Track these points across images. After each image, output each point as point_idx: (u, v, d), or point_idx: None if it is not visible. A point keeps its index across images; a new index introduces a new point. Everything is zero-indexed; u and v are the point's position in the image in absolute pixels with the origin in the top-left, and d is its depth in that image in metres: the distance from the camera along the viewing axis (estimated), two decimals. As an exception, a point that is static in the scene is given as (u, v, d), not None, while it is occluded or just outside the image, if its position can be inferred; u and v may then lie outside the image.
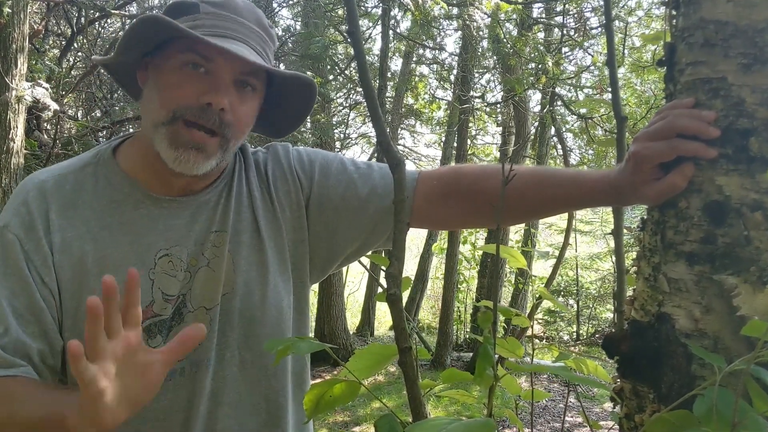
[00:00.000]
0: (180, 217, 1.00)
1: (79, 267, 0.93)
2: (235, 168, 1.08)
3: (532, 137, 8.45)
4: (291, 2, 7.39)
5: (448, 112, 9.25)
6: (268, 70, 0.97)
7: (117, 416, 0.72)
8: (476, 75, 8.42)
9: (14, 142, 3.89)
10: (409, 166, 1.13)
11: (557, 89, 6.26)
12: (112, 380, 0.70)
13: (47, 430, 0.81)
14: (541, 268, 11.08)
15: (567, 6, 6.34)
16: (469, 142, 9.35)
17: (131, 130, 1.14)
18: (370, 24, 8.19)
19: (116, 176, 1.00)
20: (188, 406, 0.98)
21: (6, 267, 0.91)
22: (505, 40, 6.23)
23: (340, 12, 6.99)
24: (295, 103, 1.07)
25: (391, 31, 7.12)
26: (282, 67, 6.39)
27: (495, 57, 7.22)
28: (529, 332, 5.51)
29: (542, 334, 10.06)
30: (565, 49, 7.08)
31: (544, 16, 7.68)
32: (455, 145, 8.58)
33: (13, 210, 0.95)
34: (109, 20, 6.75)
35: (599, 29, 6.17)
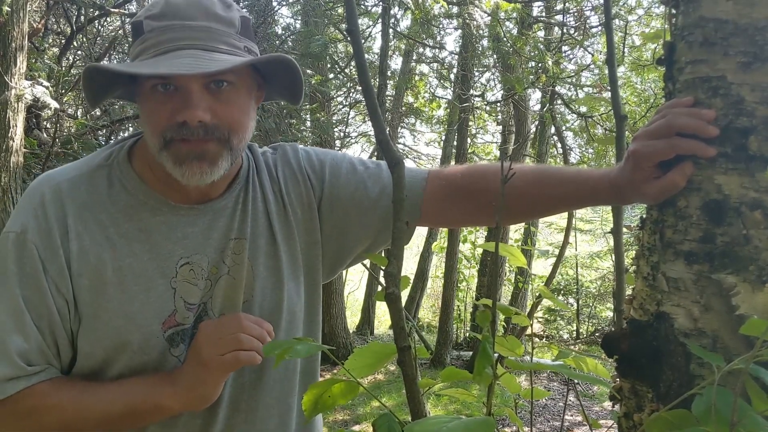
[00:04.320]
0: (197, 225, 0.99)
1: (96, 276, 0.92)
2: (249, 172, 1.06)
3: (532, 136, 8.44)
4: (291, 0, 7.38)
5: (448, 110, 9.24)
6: (220, 72, 0.89)
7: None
8: (476, 74, 8.41)
9: (13, 141, 3.88)
10: (411, 165, 1.12)
11: (557, 88, 6.24)
12: None
13: (131, 418, 0.93)
14: (541, 267, 11.08)
15: (567, 5, 6.33)
16: (469, 140, 9.34)
17: (131, 129, 1.13)
18: (370, 22, 8.18)
19: (131, 181, 0.98)
20: (207, 413, 0.98)
21: (23, 275, 0.90)
22: (505, 38, 6.23)
23: (340, 10, 6.98)
24: (287, 75, 1.02)
25: (391, 30, 7.11)
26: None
27: (495, 56, 7.21)
28: (528, 331, 5.51)
29: (542, 333, 10.06)
30: (565, 48, 7.07)
31: (544, 14, 7.67)
32: (455, 143, 8.58)
33: (30, 213, 0.93)
34: (108, 18, 6.74)
35: (599, 28, 6.17)
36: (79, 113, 7.11)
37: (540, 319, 10.18)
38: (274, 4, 6.91)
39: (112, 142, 1.07)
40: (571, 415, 5.90)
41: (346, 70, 7.97)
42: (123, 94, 1.02)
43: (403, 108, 9.82)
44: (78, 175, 0.98)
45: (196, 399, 0.92)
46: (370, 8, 7.50)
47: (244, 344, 0.89)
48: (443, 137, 9.89)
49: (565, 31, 6.53)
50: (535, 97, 9.11)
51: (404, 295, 9.49)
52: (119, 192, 0.97)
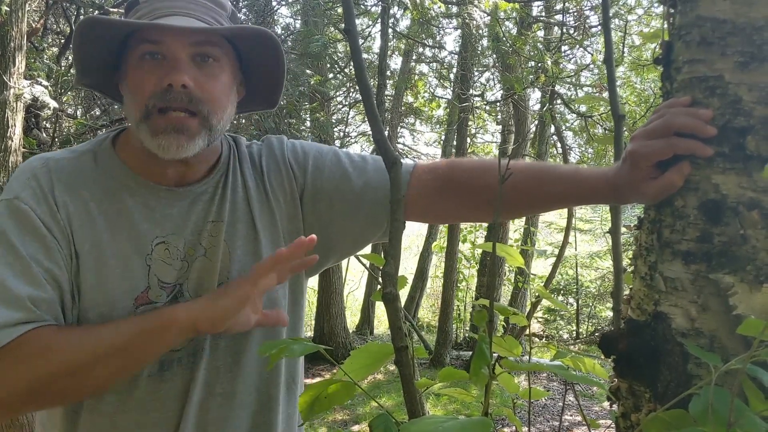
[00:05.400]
0: (176, 207, 1.01)
1: (80, 247, 0.94)
2: (230, 160, 1.08)
3: (532, 136, 8.44)
4: (290, 0, 7.38)
5: (448, 110, 9.24)
6: (215, 31, 0.95)
7: (242, 323, 0.94)
8: (476, 73, 8.42)
9: (12, 141, 3.88)
10: (407, 161, 1.12)
11: (557, 87, 6.24)
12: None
13: (145, 340, 0.90)
14: (542, 267, 11.09)
15: (566, 4, 6.33)
16: (468, 140, 9.35)
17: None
18: (370, 22, 8.18)
19: (114, 165, 1.01)
20: (183, 395, 0.98)
21: (24, 234, 0.90)
22: (504, 38, 6.23)
23: (339, 10, 6.97)
24: (269, 63, 1.06)
25: (390, 30, 7.10)
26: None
27: (494, 55, 7.21)
28: (528, 331, 5.51)
29: (542, 333, 10.07)
30: (564, 48, 7.07)
31: (543, 14, 7.67)
32: (455, 143, 8.58)
33: (23, 183, 0.94)
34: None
35: (599, 27, 6.16)
36: (78, 113, 7.11)
37: (540, 319, 10.18)
38: (274, 3, 6.91)
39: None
40: (571, 415, 5.90)
41: (345, 70, 7.97)
42: (104, 85, 1.05)
43: (403, 108, 9.82)
44: (65, 157, 1.00)
45: (216, 310, 0.91)
46: (369, 8, 7.50)
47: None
48: (443, 137, 9.90)
49: (564, 30, 6.53)
50: (534, 96, 9.12)
51: (404, 294, 9.50)
52: (102, 173, 1.00)
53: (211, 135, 0.97)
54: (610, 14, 1.06)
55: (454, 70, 8.60)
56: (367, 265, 6.95)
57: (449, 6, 7.01)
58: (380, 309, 10.33)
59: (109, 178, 1.00)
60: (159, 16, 0.94)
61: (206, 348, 1.00)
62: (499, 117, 9.35)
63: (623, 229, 1.14)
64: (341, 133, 9.21)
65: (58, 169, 0.98)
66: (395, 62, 10.26)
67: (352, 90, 8.48)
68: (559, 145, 7.90)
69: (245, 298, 0.92)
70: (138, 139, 0.96)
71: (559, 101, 6.62)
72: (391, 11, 6.98)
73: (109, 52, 0.98)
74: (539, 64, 5.94)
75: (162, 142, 0.93)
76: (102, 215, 0.97)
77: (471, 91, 8.00)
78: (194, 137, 0.94)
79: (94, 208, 0.96)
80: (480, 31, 6.72)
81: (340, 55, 8.34)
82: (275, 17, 7.31)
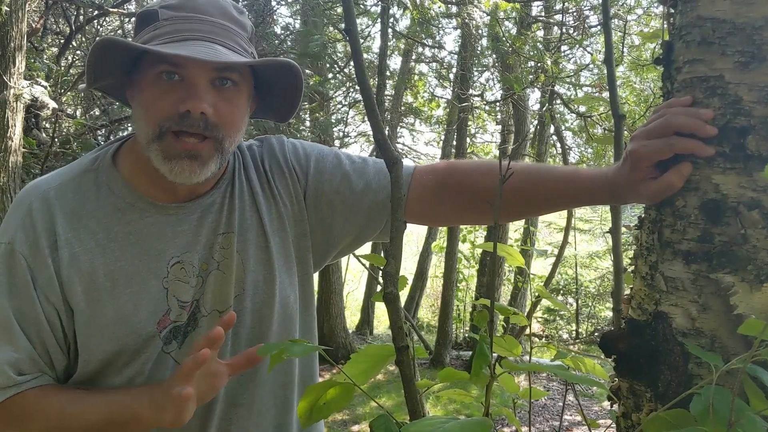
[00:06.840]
0: (187, 223, 0.99)
1: (89, 282, 0.93)
2: (235, 167, 1.07)
3: (531, 135, 8.44)
4: (290, 0, 7.38)
5: (448, 110, 9.25)
6: (237, 64, 0.93)
7: (190, 414, 0.86)
8: (475, 73, 8.41)
9: (12, 141, 3.88)
10: (408, 164, 1.12)
11: (556, 87, 6.24)
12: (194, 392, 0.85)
13: (110, 428, 0.90)
14: (541, 267, 11.08)
15: (566, 4, 6.32)
16: (468, 140, 9.35)
17: (130, 129, 1.14)
18: (370, 22, 8.18)
19: (118, 184, 0.98)
20: (205, 410, 0.98)
21: (12, 286, 0.91)
22: (504, 38, 6.23)
23: (338, 10, 6.97)
24: (287, 86, 1.05)
25: (390, 29, 7.10)
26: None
27: (494, 55, 7.21)
28: (528, 331, 5.51)
29: (542, 333, 10.06)
30: (564, 48, 7.07)
31: (543, 14, 7.67)
32: (454, 143, 8.58)
33: (19, 223, 0.93)
34: (107, 18, 6.74)
35: (598, 27, 6.16)
36: (78, 113, 7.11)
37: (539, 319, 10.18)
38: (273, 3, 6.91)
39: (101, 145, 1.07)
40: (570, 415, 5.90)
41: (345, 70, 7.97)
42: (111, 87, 1.02)
43: (403, 107, 9.82)
44: (65, 181, 0.98)
45: (176, 420, 0.87)
46: (369, 8, 7.50)
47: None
48: (442, 137, 9.90)
49: (564, 30, 6.53)
50: (534, 96, 9.14)
51: (403, 294, 9.47)
52: (107, 195, 0.98)
53: (223, 157, 0.96)
54: (610, 14, 1.06)
55: (454, 70, 8.60)
56: (367, 266, 6.95)
57: (449, 6, 7.02)
58: (380, 309, 10.33)
59: (115, 199, 0.97)
60: (181, 39, 0.90)
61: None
62: (498, 117, 9.35)
63: (623, 229, 1.14)
64: (341, 133, 9.21)
65: (60, 198, 0.95)
66: (395, 62, 10.27)
67: (351, 90, 8.48)
68: (558, 145, 7.90)
69: (189, 406, 0.85)
70: (147, 156, 0.93)
71: (558, 101, 6.61)
72: (391, 11, 6.98)
73: (125, 60, 0.96)
74: (539, 64, 5.94)
75: (174, 168, 0.91)
76: (112, 241, 0.95)
77: (470, 90, 8.00)
78: (207, 162, 0.93)
79: (103, 237, 0.95)
80: (480, 31, 6.72)
81: (339, 55, 8.35)
82: (275, 17, 7.31)
